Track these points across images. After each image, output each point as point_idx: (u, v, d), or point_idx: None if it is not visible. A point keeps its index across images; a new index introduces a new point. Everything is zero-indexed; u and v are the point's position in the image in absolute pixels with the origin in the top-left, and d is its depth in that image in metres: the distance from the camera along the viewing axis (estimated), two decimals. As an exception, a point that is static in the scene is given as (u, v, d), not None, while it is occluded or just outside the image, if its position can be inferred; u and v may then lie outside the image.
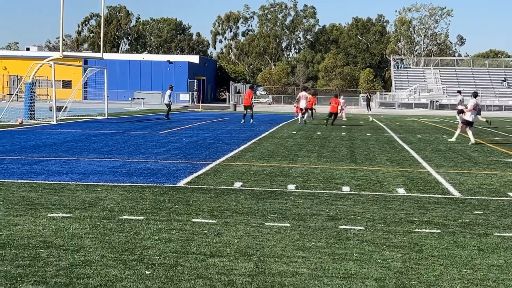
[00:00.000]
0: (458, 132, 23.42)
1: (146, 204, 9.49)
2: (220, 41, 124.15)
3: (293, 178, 12.71)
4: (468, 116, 22.41)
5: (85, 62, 69.83)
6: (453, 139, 23.18)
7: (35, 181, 11.35)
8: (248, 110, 33.30)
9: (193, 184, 11.60)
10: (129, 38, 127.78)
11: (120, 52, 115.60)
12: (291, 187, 11.52)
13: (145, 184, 11.36)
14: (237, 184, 11.63)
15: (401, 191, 11.38)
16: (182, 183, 11.67)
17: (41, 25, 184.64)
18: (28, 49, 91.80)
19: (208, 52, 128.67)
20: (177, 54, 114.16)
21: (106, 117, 35.18)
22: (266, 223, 8.36)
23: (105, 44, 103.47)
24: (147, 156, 16.07)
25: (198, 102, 67.58)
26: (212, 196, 10.29)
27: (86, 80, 42.42)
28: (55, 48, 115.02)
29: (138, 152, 16.87)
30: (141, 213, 8.78)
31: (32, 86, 31.38)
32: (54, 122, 28.99)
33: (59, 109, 32.63)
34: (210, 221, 8.42)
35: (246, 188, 11.28)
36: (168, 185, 11.38)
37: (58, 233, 7.53)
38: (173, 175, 12.59)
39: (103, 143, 19.30)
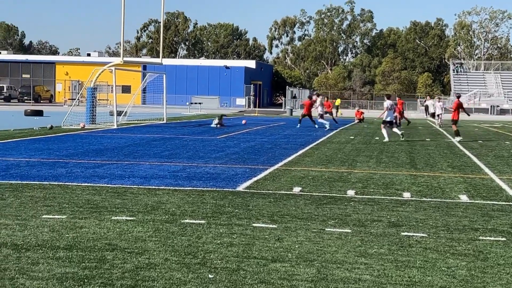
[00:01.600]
0: (384, 132, 24.48)
1: (207, 208, 9.58)
2: (276, 46, 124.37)
3: (352, 183, 12.63)
4: (386, 116, 24.31)
5: (144, 68, 71.08)
6: (386, 139, 24.11)
7: (99, 185, 11.60)
8: (309, 116, 34.02)
9: (252, 188, 11.65)
10: (187, 43, 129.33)
11: (178, 58, 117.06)
12: (351, 192, 11.45)
13: (205, 188, 11.47)
14: (296, 189, 11.63)
15: (464, 197, 11.17)
16: (241, 187, 11.74)
17: (101, 31, 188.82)
18: (89, 54, 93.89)
19: (264, 57, 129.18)
20: (233, 59, 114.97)
21: (164, 121, 35.67)
22: (326, 229, 8.33)
23: (164, 49, 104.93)
24: (206, 160, 16.22)
25: (255, 107, 67.86)
26: (272, 201, 10.31)
27: (145, 85, 43.08)
28: (114, 54, 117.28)
29: (197, 157, 17.05)
30: (202, 217, 8.87)
31: (94, 91, 32.10)
32: (115, 127, 29.56)
33: (119, 113, 33.23)
34: (271, 226, 8.44)
35: (305, 193, 11.27)
36: (227, 189, 11.46)
37: (123, 236, 7.67)
38: (232, 180, 12.68)
39: (163, 148, 19.58)
